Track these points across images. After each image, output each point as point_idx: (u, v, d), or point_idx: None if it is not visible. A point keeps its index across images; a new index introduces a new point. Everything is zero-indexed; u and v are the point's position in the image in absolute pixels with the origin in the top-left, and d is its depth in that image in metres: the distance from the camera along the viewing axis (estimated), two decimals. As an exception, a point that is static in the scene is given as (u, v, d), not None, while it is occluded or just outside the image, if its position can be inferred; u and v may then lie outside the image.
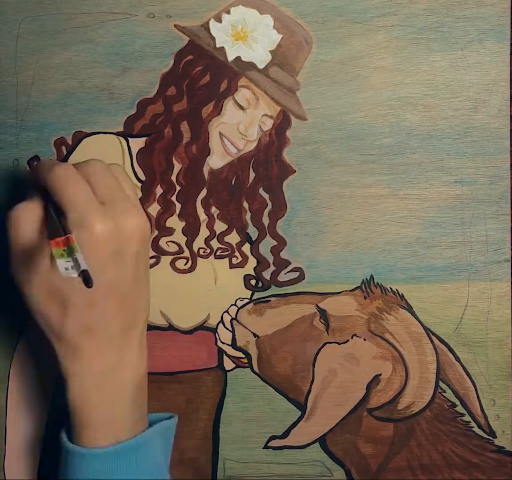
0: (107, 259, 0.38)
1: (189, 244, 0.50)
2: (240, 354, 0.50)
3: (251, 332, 0.50)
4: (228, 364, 0.51)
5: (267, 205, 0.51)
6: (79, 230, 0.37)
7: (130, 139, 0.50)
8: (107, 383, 0.39)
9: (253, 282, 0.51)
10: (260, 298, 0.51)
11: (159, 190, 0.50)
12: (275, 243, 0.50)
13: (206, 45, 0.50)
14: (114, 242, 0.38)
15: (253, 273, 0.51)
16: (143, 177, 0.50)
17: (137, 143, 0.50)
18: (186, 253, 0.50)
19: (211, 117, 0.50)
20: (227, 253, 0.51)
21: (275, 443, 0.50)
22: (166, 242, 0.50)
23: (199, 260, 0.50)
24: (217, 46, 0.50)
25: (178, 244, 0.50)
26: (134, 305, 0.40)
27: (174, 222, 0.50)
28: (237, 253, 0.51)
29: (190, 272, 0.50)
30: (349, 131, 0.50)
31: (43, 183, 0.39)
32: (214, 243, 0.50)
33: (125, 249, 0.39)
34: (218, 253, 0.50)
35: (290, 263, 0.50)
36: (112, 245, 0.38)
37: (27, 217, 0.39)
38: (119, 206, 0.39)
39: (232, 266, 0.51)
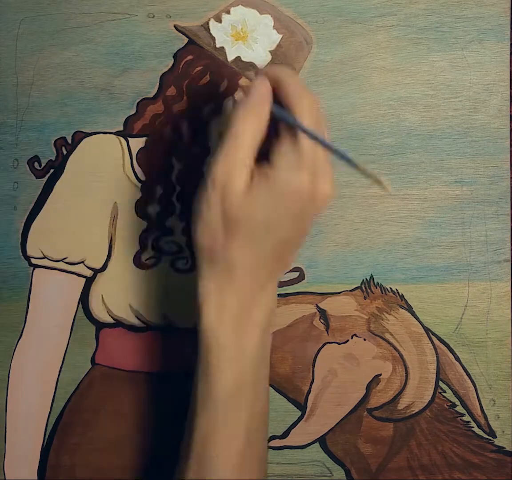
0: (294, 217, 0.38)
1: (189, 244, 0.50)
2: (240, 354, 0.50)
3: (251, 332, 0.50)
4: (228, 364, 0.50)
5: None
6: (288, 176, 0.37)
7: (130, 139, 0.51)
8: (242, 316, 0.39)
9: (253, 282, 0.51)
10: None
11: (159, 190, 0.50)
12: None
13: (206, 45, 0.50)
14: (305, 202, 0.38)
15: (253, 273, 0.51)
16: (143, 177, 0.50)
17: (137, 143, 0.51)
18: (186, 253, 0.50)
19: (211, 117, 0.50)
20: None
21: (275, 443, 0.50)
22: (166, 242, 0.50)
23: (199, 260, 0.50)
24: (217, 46, 0.50)
25: (178, 244, 0.50)
26: (289, 259, 0.41)
27: (174, 222, 0.50)
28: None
29: (190, 272, 0.50)
30: (349, 131, 0.50)
31: (293, 102, 0.38)
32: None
33: (310, 211, 0.39)
34: (218, 253, 0.50)
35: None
36: (303, 205, 0.38)
37: (253, 135, 0.38)
38: (324, 169, 0.39)
39: (232, 266, 0.51)
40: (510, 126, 0.50)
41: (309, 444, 0.50)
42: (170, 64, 0.50)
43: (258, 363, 0.41)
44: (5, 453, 0.50)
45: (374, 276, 0.50)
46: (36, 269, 0.50)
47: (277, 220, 0.38)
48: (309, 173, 0.37)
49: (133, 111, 0.50)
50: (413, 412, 0.50)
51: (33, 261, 0.50)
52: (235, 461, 0.39)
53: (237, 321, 0.39)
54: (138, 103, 0.50)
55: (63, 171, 0.50)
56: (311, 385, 0.50)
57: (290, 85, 0.39)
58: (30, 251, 0.50)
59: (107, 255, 0.50)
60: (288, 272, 0.51)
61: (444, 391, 0.50)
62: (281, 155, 0.38)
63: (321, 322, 0.50)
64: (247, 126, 0.38)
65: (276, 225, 0.38)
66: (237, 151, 0.37)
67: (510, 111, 0.50)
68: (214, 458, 0.39)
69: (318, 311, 0.50)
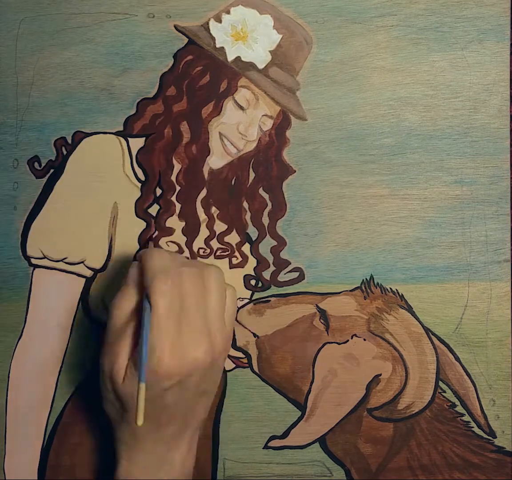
0: (167, 389, 0.40)
1: (189, 244, 0.50)
2: (240, 354, 0.50)
3: (251, 332, 0.50)
4: (228, 364, 0.51)
5: (267, 205, 0.51)
6: (151, 354, 0.39)
7: (130, 139, 0.51)
8: (153, 473, 0.43)
9: (253, 282, 0.51)
10: (260, 298, 0.51)
11: (159, 190, 0.50)
12: (275, 243, 0.50)
13: (206, 45, 0.50)
14: (178, 374, 0.40)
15: (253, 273, 0.51)
16: (143, 177, 0.50)
17: (137, 143, 0.51)
18: (186, 253, 0.50)
19: (211, 117, 0.50)
20: (227, 253, 0.51)
21: (275, 443, 0.50)
22: (166, 242, 0.50)
23: (199, 260, 0.50)
24: (217, 46, 0.50)
25: (178, 244, 0.50)
26: (190, 415, 0.43)
27: (174, 222, 0.50)
28: (237, 253, 0.51)
29: (190, 272, 0.50)
30: (349, 131, 0.50)
31: (144, 286, 0.41)
32: (214, 243, 0.50)
33: (186, 380, 0.41)
34: (218, 253, 0.50)
35: (290, 263, 0.50)
36: (177, 376, 0.40)
37: (124, 306, 0.42)
38: (193, 335, 0.41)
39: (232, 266, 0.51)
40: (510, 126, 0.50)
41: (309, 444, 0.50)
42: (170, 64, 0.50)
43: None
44: (5, 453, 0.50)
45: (374, 276, 0.50)
46: (36, 269, 0.50)
47: (158, 394, 0.40)
48: (168, 350, 0.39)
49: (133, 111, 0.50)
50: (413, 412, 0.50)
51: (33, 261, 0.50)
52: None
53: (148, 477, 0.43)
54: (138, 103, 0.50)
55: (63, 171, 0.50)
56: (311, 385, 0.50)
57: (145, 269, 0.41)
58: (30, 251, 0.50)
59: (107, 255, 0.50)
60: (288, 272, 0.51)
61: (444, 391, 0.50)
62: (140, 342, 0.40)
63: (321, 322, 0.50)
64: (121, 314, 0.42)
65: (159, 397, 0.40)
66: (115, 342, 0.41)
67: (510, 111, 0.50)
68: None
69: (318, 311, 0.50)
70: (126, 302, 0.42)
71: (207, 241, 0.50)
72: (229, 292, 0.44)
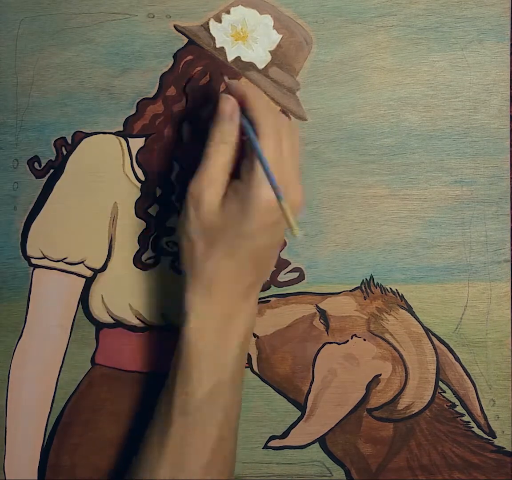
0: (265, 226, 0.40)
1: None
2: (240, 354, 0.50)
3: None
4: (228, 364, 0.50)
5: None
6: (255, 190, 0.39)
7: (130, 139, 0.51)
8: (223, 323, 0.42)
9: (253, 282, 0.51)
10: (259, 298, 0.50)
11: (159, 190, 0.50)
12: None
13: (206, 45, 0.50)
14: (275, 213, 0.39)
15: (253, 273, 0.51)
16: (143, 177, 0.50)
17: (137, 143, 0.51)
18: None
19: (211, 117, 0.50)
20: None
21: (275, 443, 0.50)
22: (166, 242, 0.50)
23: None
24: (217, 46, 0.50)
25: (178, 244, 0.50)
26: (266, 268, 0.43)
27: (174, 222, 0.50)
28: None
29: (190, 272, 0.50)
30: (349, 131, 0.50)
31: (254, 119, 0.41)
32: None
33: (281, 221, 0.40)
34: (218, 253, 0.50)
35: (290, 263, 0.50)
36: (274, 216, 0.39)
37: (223, 154, 0.41)
38: (290, 179, 0.41)
39: (232, 266, 0.51)
40: (510, 126, 0.50)
41: (309, 444, 0.50)
42: (170, 64, 0.50)
43: (236, 370, 0.42)
44: (5, 453, 0.50)
45: (374, 276, 0.50)
46: (36, 269, 0.50)
47: (250, 231, 0.40)
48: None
49: (133, 111, 0.50)
50: (413, 412, 0.50)
51: (33, 261, 0.50)
52: (207, 458, 0.41)
53: (218, 332, 0.42)
54: (138, 103, 0.50)
55: (63, 171, 0.50)
56: (311, 385, 0.50)
57: (255, 103, 0.41)
58: (30, 251, 0.50)
59: (107, 255, 0.50)
60: (288, 272, 0.51)
61: (444, 391, 0.50)
62: (248, 170, 0.40)
63: (321, 322, 0.50)
64: (216, 145, 0.41)
65: (249, 236, 0.40)
66: (207, 169, 0.41)
67: (510, 111, 0.50)
68: (188, 455, 0.41)
69: (318, 311, 0.50)
70: (225, 136, 0.41)
71: (207, 241, 0.50)
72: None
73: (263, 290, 0.50)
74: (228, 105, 0.42)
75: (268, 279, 0.50)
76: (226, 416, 0.42)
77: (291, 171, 0.41)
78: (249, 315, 0.43)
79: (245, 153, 0.42)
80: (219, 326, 0.42)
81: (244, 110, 0.42)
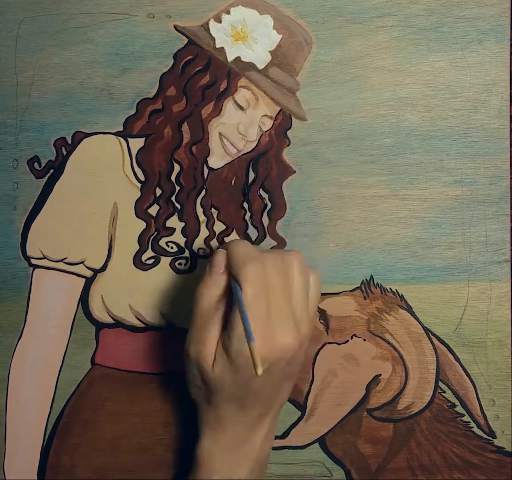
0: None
1: (189, 245, 0.50)
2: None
3: (251, 333, 0.50)
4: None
5: (267, 205, 0.51)
6: (238, 344, 0.40)
7: (130, 139, 0.50)
8: (234, 452, 0.44)
9: (253, 282, 0.51)
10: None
11: (158, 191, 0.50)
12: (274, 243, 0.50)
13: (206, 46, 0.50)
14: (266, 361, 0.40)
15: (253, 274, 0.50)
16: (142, 177, 0.50)
17: (137, 143, 0.50)
18: (186, 254, 0.50)
19: (210, 118, 0.50)
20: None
21: (275, 443, 0.50)
22: (166, 243, 0.50)
23: (199, 260, 0.50)
24: (217, 46, 0.50)
25: (178, 245, 0.50)
26: (272, 401, 0.44)
27: (174, 222, 0.50)
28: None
29: (190, 272, 0.50)
30: (349, 132, 0.50)
31: (232, 272, 0.42)
32: (214, 244, 0.50)
33: (275, 364, 0.41)
34: (218, 253, 0.50)
35: (290, 264, 0.50)
36: (265, 363, 0.40)
37: (211, 293, 0.43)
38: (281, 322, 0.41)
39: (232, 266, 0.51)
40: (510, 126, 0.50)
41: (309, 444, 0.50)
42: (170, 64, 0.50)
43: None
44: (5, 453, 0.50)
45: (374, 277, 0.50)
46: (36, 269, 0.50)
47: (246, 379, 0.41)
48: (259, 332, 0.39)
49: (133, 111, 0.50)
50: (413, 413, 0.50)
51: (33, 261, 0.50)
52: None
53: (228, 455, 0.44)
54: (138, 103, 0.50)
55: (63, 171, 0.50)
56: (311, 385, 0.50)
57: (232, 256, 0.42)
58: (30, 251, 0.50)
59: (107, 255, 0.50)
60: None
61: (444, 392, 0.50)
62: (231, 326, 0.40)
63: (321, 322, 0.50)
64: (208, 301, 0.43)
65: (247, 382, 0.41)
66: (202, 328, 0.42)
67: (510, 112, 0.50)
68: None
69: (318, 311, 0.50)
70: (212, 289, 0.43)
71: (207, 241, 0.50)
72: (313, 277, 0.44)
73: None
74: (219, 259, 0.43)
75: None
76: None
77: (281, 314, 0.41)
78: (260, 445, 0.44)
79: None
80: (228, 451, 0.44)
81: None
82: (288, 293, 0.42)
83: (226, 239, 0.50)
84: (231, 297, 0.42)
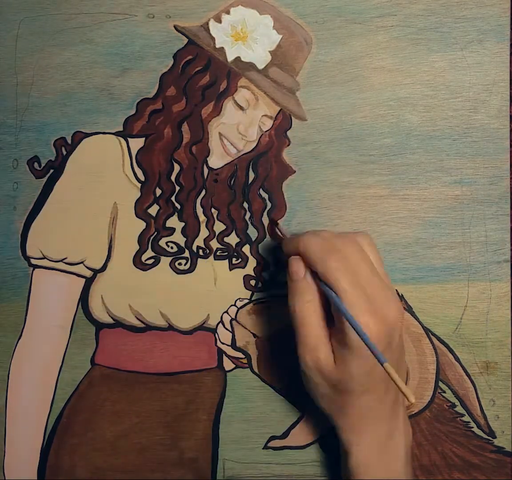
0: (382, 351, 0.40)
1: (189, 245, 0.50)
2: (239, 355, 0.50)
3: (251, 333, 0.50)
4: (227, 364, 0.51)
5: (267, 205, 0.51)
6: (356, 359, 0.40)
7: (129, 139, 0.51)
8: (384, 449, 0.43)
9: (252, 282, 0.51)
10: (260, 299, 0.50)
11: (158, 191, 0.50)
12: (274, 243, 0.50)
13: (205, 46, 0.50)
14: (385, 336, 0.40)
15: (252, 274, 0.51)
16: (142, 178, 0.50)
17: (137, 144, 0.51)
18: (186, 254, 0.50)
19: (210, 118, 0.50)
20: (226, 253, 0.51)
21: (275, 443, 0.50)
22: (166, 243, 0.50)
23: (199, 260, 0.50)
24: (217, 46, 0.50)
25: (177, 245, 0.50)
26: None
27: (174, 222, 0.50)
28: (236, 254, 0.51)
29: (190, 272, 0.50)
30: (349, 132, 0.50)
31: (318, 272, 0.42)
32: (214, 244, 0.50)
33: (393, 339, 0.41)
34: (217, 253, 0.50)
35: (290, 264, 0.50)
36: (385, 339, 0.40)
37: (312, 313, 0.42)
38: (380, 296, 0.41)
39: (231, 266, 0.51)
40: (510, 126, 0.50)
41: (309, 444, 0.50)
42: (170, 64, 0.50)
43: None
44: (5, 453, 0.50)
45: (374, 277, 0.50)
46: (36, 270, 0.50)
47: (373, 367, 0.40)
48: (368, 314, 0.40)
49: (133, 111, 0.50)
50: (413, 413, 0.50)
51: (33, 261, 0.50)
52: None
53: (380, 454, 0.43)
54: (138, 103, 0.50)
55: (62, 172, 0.50)
56: (311, 385, 0.50)
57: (310, 256, 0.42)
58: (29, 252, 0.50)
59: (107, 256, 0.50)
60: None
61: (444, 392, 0.50)
62: (340, 320, 0.40)
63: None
64: (302, 308, 0.42)
65: (375, 369, 0.41)
66: (308, 335, 0.42)
67: (510, 112, 0.50)
68: None
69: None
70: (302, 296, 0.42)
71: (207, 241, 0.50)
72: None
73: (263, 290, 0.51)
74: (296, 266, 0.43)
75: (268, 279, 0.50)
76: None
77: (377, 288, 0.41)
78: (404, 432, 0.44)
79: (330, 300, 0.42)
80: (379, 450, 0.43)
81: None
82: (371, 267, 0.42)
83: (226, 239, 0.50)
84: (323, 296, 0.42)
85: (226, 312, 0.50)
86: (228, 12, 0.50)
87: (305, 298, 0.42)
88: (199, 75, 0.50)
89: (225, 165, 0.51)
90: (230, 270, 0.51)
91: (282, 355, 0.50)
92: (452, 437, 0.50)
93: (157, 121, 0.50)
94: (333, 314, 0.42)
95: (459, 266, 0.50)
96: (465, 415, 0.50)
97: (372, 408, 0.43)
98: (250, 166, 0.50)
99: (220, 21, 0.50)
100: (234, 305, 0.50)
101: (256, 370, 0.50)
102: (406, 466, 0.44)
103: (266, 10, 0.50)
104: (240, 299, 0.50)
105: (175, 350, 0.51)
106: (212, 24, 0.50)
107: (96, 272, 0.50)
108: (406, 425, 0.45)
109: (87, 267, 0.50)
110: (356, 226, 0.50)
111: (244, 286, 0.51)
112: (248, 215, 0.51)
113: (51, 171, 0.50)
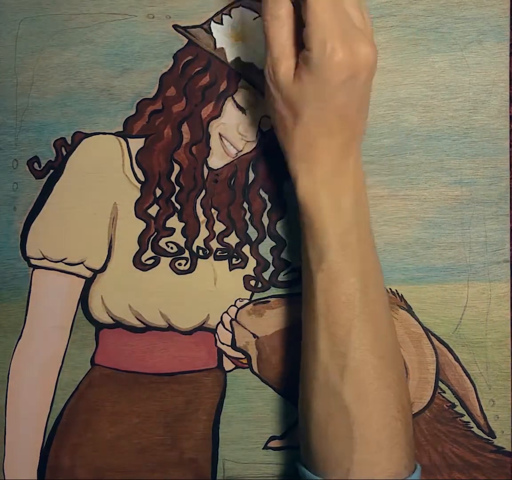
0: (340, 84, 0.40)
1: (189, 245, 0.50)
2: (239, 355, 0.51)
3: (251, 333, 0.50)
4: (227, 364, 0.51)
5: (267, 205, 0.51)
6: (320, 53, 0.39)
7: (129, 140, 0.51)
8: (332, 184, 0.43)
9: (252, 282, 0.51)
10: (259, 299, 0.51)
11: (158, 191, 0.50)
12: (274, 243, 0.51)
13: (205, 46, 0.50)
14: (348, 68, 0.40)
15: (252, 274, 0.51)
16: (142, 178, 0.50)
17: (137, 144, 0.51)
18: (186, 254, 0.50)
19: (210, 118, 0.50)
20: (226, 253, 0.51)
21: (275, 443, 0.50)
22: (166, 243, 0.50)
23: (199, 261, 0.50)
24: (217, 47, 0.50)
25: (177, 245, 0.50)
26: (355, 126, 0.44)
27: (174, 223, 0.50)
28: (236, 254, 0.51)
29: (190, 273, 0.50)
30: (349, 132, 0.50)
31: None
32: (214, 244, 0.51)
33: (358, 78, 0.41)
34: (217, 253, 0.51)
35: (290, 264, 0.51)
36: (347, 71, 0.40)
37: (279, 29, 0.41)
38: (358, 32, 0.40)
39: (231, 266, 0.51)
40: (510, 126, 0.50)
41: (308, 445, 0.50)
42: (170, 65, 0.50)
43: (358, 222, 0.44)
44: (5, 453, 0.50)
45: (373, 277, 0.50)
46: (36, 270, 0.50)
47: (330, 92, 0.41)
48: (339, 41, 0.39)
49: (132, 112, 0.50)
50: (413, 413, 0.50)
51: (33, 261, 0.50)
52: (358, 311, 0.43)
53: (329, 186, 0.43)
54: (138, 104, 0.50)
55: (62, 172, 0.50)
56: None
57: None
58: (29, 252, 0.50)
59: (107, 256, 0.50)
60: (288, 272, 0.51)
61: (444, 392, 0.50)
62: (308, 34, 0.40)
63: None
64: (270, 23, 0.41)
65: (331, 97, 0.41)
66: (271, 46, 0.42)
67: (510, 112, 0.50)
68: (338, 306, 0.43)
69: None
70: (275, 9, 0.41)
71: (206, 241, 0.50)
72: None
73: (262, 290, 0.51)
74: None
75: (267, 279, 0.50)
76: (362, 274, 0.43)
77: (358, 21, 0.41)
78: (353, 173, 0.44)
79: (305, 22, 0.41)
80: (328, 182, 0.43)
81: None
82: (357, 5, 0.41)
83: (226, 240, 0.50)
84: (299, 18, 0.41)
85: (226, 312, 0.51)
86: (228, 13, 0.50)
87: (275, 13, 0.41)
88: (199, 76, 0.50)
89: (225, 165, 0.51)
90: (230, 270, 0.51)
91: (282, 356, 0.50)
92: (452, 437, 0.50)
93: (157, 122, 0.50)
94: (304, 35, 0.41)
95: (459, 266, 0.50)
96: (465, 415, 0.50)
97: (320, 139, 0.42)
98: (250, 167, 0.51)
99: (220, 22, 0.50)
100: (234, 305, 0.50)
101: (256, 370, 0.50)
102: (357, 197, 0.44)
103: (266, 10, 0.50)
104: (240, 299, 0.50)
105: (175, 351, 0.51)
106: (212, 25, 0.50)
107: (96, 272, 0.50)
108: (358, 172, 0.44)
109: (87, 268, 0.50)
110: (356, 227, 0.50)
111: (244, 286, 0.51)
112: (248, 215, 0.51)
113: (51, 171, 0.50)
